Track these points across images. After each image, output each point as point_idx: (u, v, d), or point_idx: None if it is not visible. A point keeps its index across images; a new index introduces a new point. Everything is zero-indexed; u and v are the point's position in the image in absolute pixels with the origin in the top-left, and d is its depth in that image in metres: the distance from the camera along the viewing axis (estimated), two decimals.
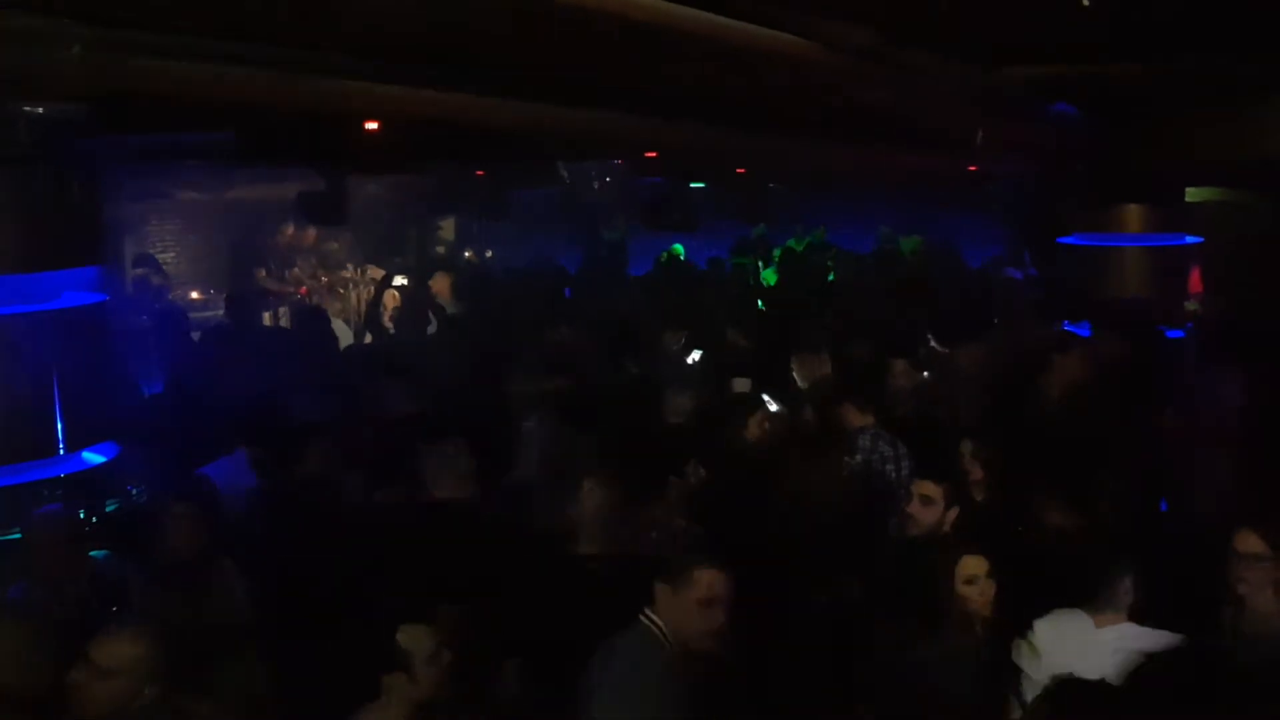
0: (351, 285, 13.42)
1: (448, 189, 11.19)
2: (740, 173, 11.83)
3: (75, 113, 5.32)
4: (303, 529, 4.97)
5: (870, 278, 12.40)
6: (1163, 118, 7.36)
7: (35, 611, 4.28)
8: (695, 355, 8.34)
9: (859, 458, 5.59)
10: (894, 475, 5.49)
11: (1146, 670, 2.94)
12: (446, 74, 5.60)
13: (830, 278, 12.87)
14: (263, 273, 13.00)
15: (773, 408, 6.51)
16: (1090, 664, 3.12)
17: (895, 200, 14.45)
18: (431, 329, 9.86)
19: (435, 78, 5.61)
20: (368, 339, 10.56)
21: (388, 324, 10.51)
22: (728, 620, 3.44)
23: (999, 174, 11.64)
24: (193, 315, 10.86)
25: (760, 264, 14.22)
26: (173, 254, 13.15)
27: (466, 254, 14.81)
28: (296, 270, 13.39)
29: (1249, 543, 3.72)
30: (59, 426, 5.60)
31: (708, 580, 3.44)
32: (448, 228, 15.53)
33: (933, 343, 7.89)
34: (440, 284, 10.54)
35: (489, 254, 15.10)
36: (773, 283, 13.24)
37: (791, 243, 14.80)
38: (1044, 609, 3.79)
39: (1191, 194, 9.23)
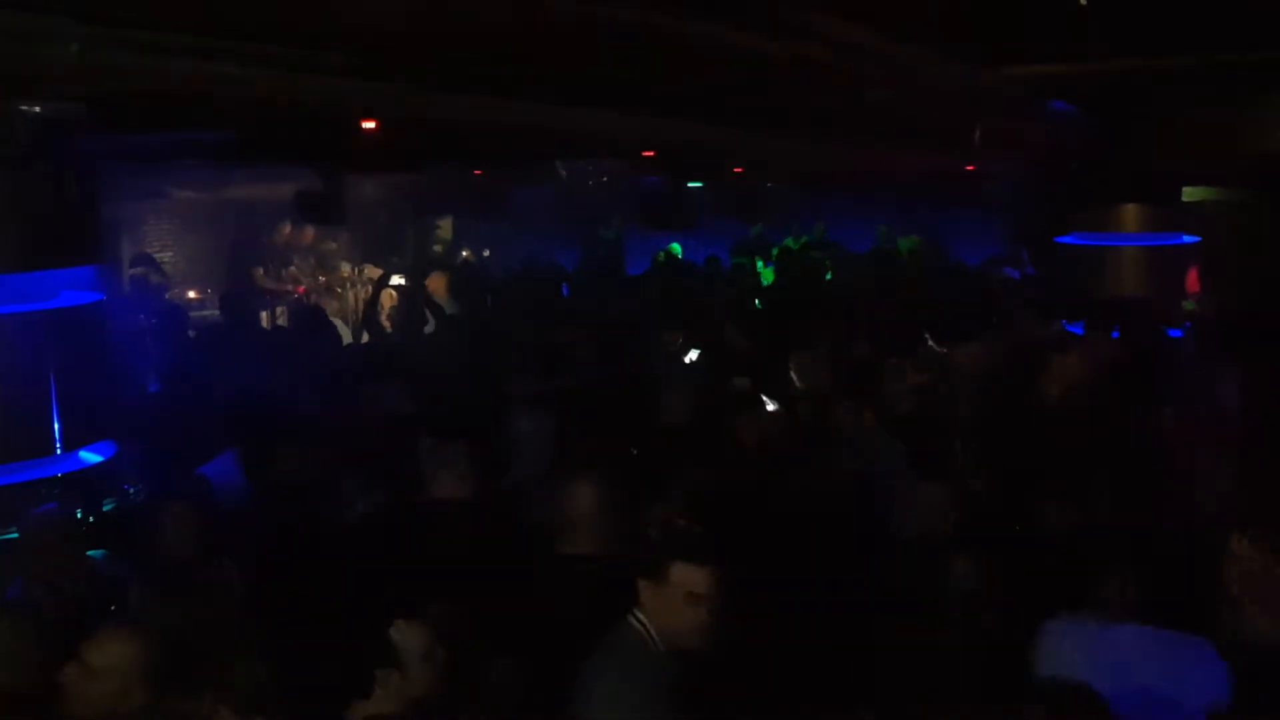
0: (349, 285, 13.43)
1: (445, 188, 11.19)
2: (738, 172, 11.84)
3: (73, 112, 5.31)
4: (291, 529, 4.97)
5: (868, 277, 12.40)
6: (1161, 117, 7.37)
7: (32, 611, 4.26)
8: (693, 354, 8.34)
9: (858, 458, 5.59)
10: (893, 475, 5.48)
11: None
12: (446, 74, 5.59)
13: (828, 277, 12.87)
14: (260, 272, 12.99)
15: (771, 407, 6.50)
16: (1098, 667, 3.12)
17: (894, 200, 14.46)
18: (429, 328, 9.85)
19: (435, 78, 5.61)
20: (365, 338, 10.55)
21: (385, 323, 10.50)
22: (713, 616, 3.40)
23: (997, 173, 11.65)
24: (191, 314, 10.85)
25: (759, 263, 14.22)
26: (170, 253, 13.13)
27: (464, 253, 14.80)
28: (293, 269, 13.39)
29: (1243, 544, 3.73)
30: (56, 425, 5.59)
31: (689, 577, 3.38)
32: (445, 227, 15.52)
33: (930, 342, 7.90)
34: (436, 283, 10.52)
35: (486, 253, 15.10)
36: (770, 282, 13.24)
37: (789, 242, 14.80)
38: (1044, 609, 3.79)
39: (1189, 193, 9.24)
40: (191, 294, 12.44)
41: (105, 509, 5.75)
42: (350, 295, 13.25)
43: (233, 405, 6.35)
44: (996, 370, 7.01)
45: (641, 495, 4.81)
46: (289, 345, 9.18)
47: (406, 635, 3.34)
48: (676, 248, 14.19)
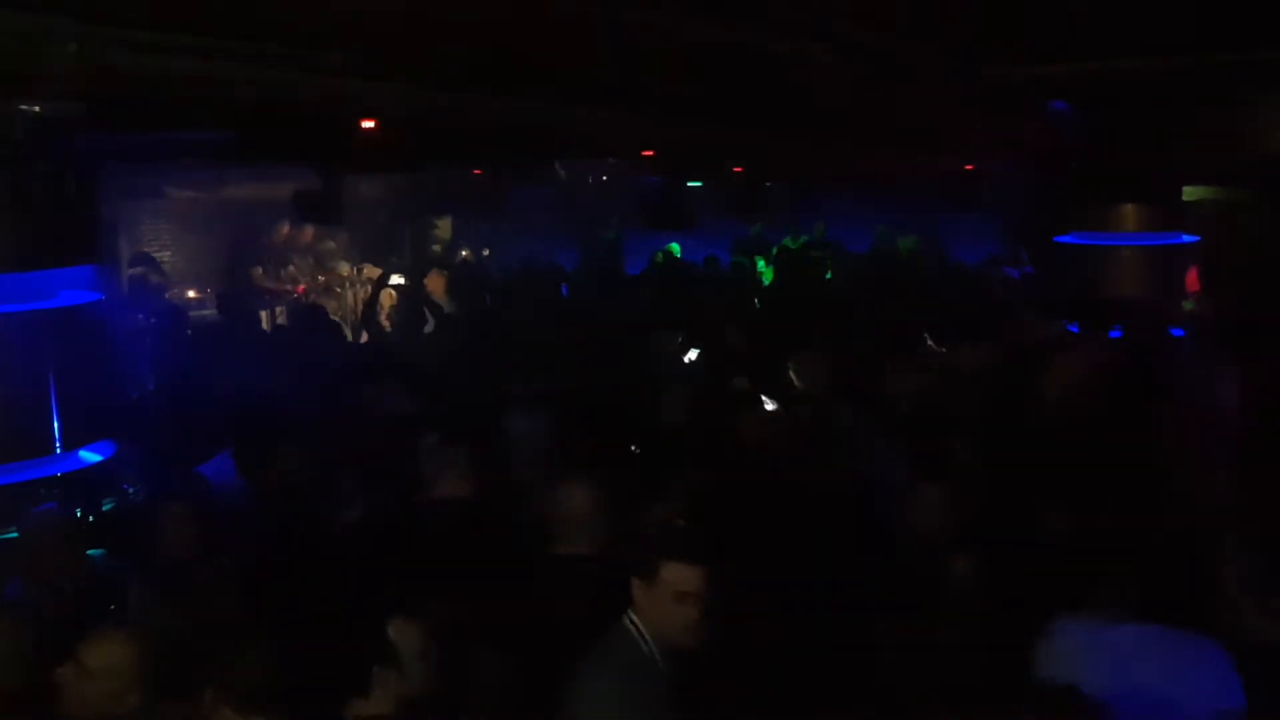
0: (348, 284, 13.42)
1: (444, 188, 11.19)
2: (737, 171, 11.84)
3: (71, 111, 5.31)
4: (289, 528, 4.96)
5: (868, 277, 12.40)
6: (1161, 117, 7.37)
7: (31, 611, 4.26)
8: (692, 354, 8.33)
9: (858, 458, 5.58)
10: (893, 475, 5.47)
11: None
12: (446, 74, 5.59)
13: (828, 276, 12.87)
14: (259, 271, 12.99)
15: (770, 407, 6.49)
16: (1102, 667, 3.12)
17: (894, 199, 14.46)
18: (428, 328, 9.85)
19: (434, 77, 5.60)
20: (364, 338, 10.56)
21: (384, 323, 10.51)
22: (704, 615, 3.39)
23: (996, 173, 11.66)
24: (190, 314, 10.85)
25: (760, 263, 14.23)
26: (169, 252, 13.12)
27: (463, 253, 14.80)
28: (292, 269, 13.38)
29: (1242, 544, 3.73)
30: (55, 425, 5.58)
31: (679, 576, 3.37)
32: (444, 227, 15.51)
33: (930, 342, 7.90)
34: (434, 282, 10.53)
35: (486, 253, 15.10)
36: (770, 281, 13.24)
37: (787, 241, 14.80)
38: (1044, 609, 3.78)
39: (1189, 193, 9.23)
40: (191, 293, 12.44)
41: (105, 509, 5.74)
42: (349, 295, 13.25)
43: (232, 405, 6.33)
44: (996, 370, 7.01)
45: (640, 495, 4.81)
46: (288, 344, 9.18)
47: (404, 634, 3.35)
48: (675, 247, 14.19)
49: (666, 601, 3.37)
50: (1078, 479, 4.89)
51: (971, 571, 4.30)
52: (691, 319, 9.01)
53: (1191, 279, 10.06)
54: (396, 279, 11.23)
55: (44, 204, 5.50)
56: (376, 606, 3.48)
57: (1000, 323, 8.83)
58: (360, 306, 11.84)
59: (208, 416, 6.35)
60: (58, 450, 5.59)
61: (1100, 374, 6.49)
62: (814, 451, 5.55)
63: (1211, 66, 6.16)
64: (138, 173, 10.72)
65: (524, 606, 4.09)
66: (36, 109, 5.22)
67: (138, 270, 11.25)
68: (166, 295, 11.45)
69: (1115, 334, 8.07)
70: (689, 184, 12.10)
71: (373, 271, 12.76)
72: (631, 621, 3.43)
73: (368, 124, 7.16)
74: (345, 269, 13.88)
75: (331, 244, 14.17)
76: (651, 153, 10.06)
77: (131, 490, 5.90)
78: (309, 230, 13.43)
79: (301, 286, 13.10)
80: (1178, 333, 8.39)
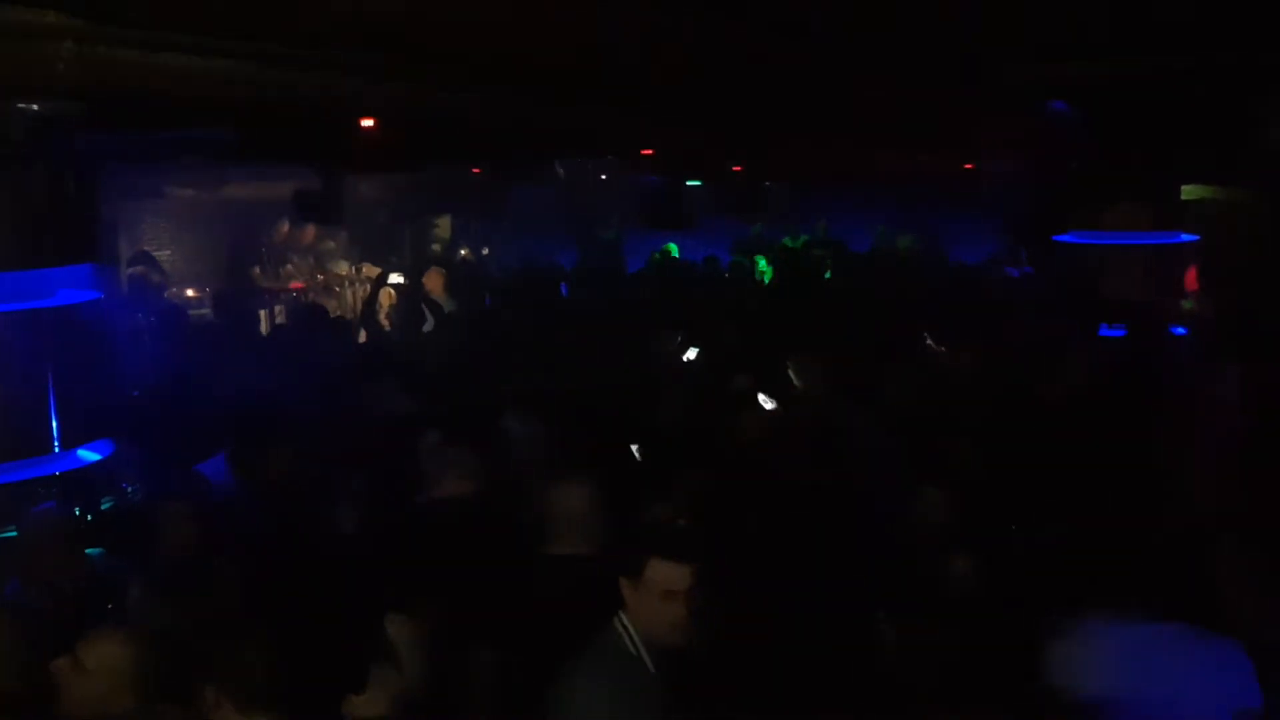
0: (347, 284, 13.43)
1: (444, 188, 11.18)
2: (737, 171, 11.85)
3: (70, 110, 5.30)
4: (288, 527, 4.96)
5: (867, 276, 12.40)
6: (1161, 117, 7.37)
7: (31, 611, 4.26)
8: (692, 354, 8.33)
9: (858, 458, 5.58)
10: (893, 475, 5.47)
11: None
12: (446, 74, 5.59)
13: (827, 275, 12.87)
14: (258, 271, 12.99)
15: (769, 407, 6.49)
16: (1118, 666, 3.11)
17: (894, 199, 14.46)
18: (428, 327, 9.85)
19: (434, 77, 5.60)
20: (364, 337, 10.55)
21: (384, 322, 10.51)
22: (692, 614, 3.35)
23: (996, 173, 11.66)
24: (189, 313, 10.84)
25: (761, 262, 14.22)
26: (169, 252, 13.12)
27: (463, 252, 14.81)
28: (290, 268, 13.38)
29: (1241, 544, 3.73)
30: (54, 424, 5.58)
31: (665, 574, 3.34)
32: (444, 226, 15.52)
33: (930, 342, 7.90)
34: (433, 281, 10.53)
35: (485, 252, 15.10)
36: (769, 281, 13.24)
37: (787, 240, 14.80)
38: (1044, 609, 3.78)
39: (1188, 192, 9.24)
40: (190, 293, 12.43)
41: (104, 508, 5.74)
42: (348, 294, 13.26)
43: (231, 404, 6.33)
44: (996, 370, 7.01)
45: (638, 495, 4.80)
46: (288, 344, 9.18)
47: (401, 631, 3.34)
48: (673, 247, 14.18)
49: (654, 600, 3.34)
50: (1077, 478, 4.89)
51: (971, 571, 4.29)
52: (691, 319, 9.00)
53: (1191, 278, 10.07)
54: (396, 278, 11.23)
55: (43, 203, 5.49)
56: (375, 605, 3.47)
57: (1000, 323, 8.83)
58: (359, 306, 11.84)
59: (207, 416, 6.35)
60: (57, 449, 5.58)
61: (1100, 374, 6.49)
62: (813, 451, 5.55)
63: (1212, 67, 6.16)
64: (138, 172, 10.71)
65: (522, 606, 4.09)
66: (36, 108, 5.21)
67: (137, 269, 11.25)
68: (166, 294, 11.46)
69: (1116, 333, 8.07)
70: (689, 183, 12.10)
71: (372, 271, 12.77)
72: (621, 622, 3.42)
73: (368, 124, 7.17)
74: (344, 268, 13.88)
75: (331, 243, 14.17)
76: (651, 152, 10.06)
77: (130, 489, 5.90)
78: (309, 229, 13.43)
79: (301, 285, 13.10)
80: (1178, 331, 8.40)
